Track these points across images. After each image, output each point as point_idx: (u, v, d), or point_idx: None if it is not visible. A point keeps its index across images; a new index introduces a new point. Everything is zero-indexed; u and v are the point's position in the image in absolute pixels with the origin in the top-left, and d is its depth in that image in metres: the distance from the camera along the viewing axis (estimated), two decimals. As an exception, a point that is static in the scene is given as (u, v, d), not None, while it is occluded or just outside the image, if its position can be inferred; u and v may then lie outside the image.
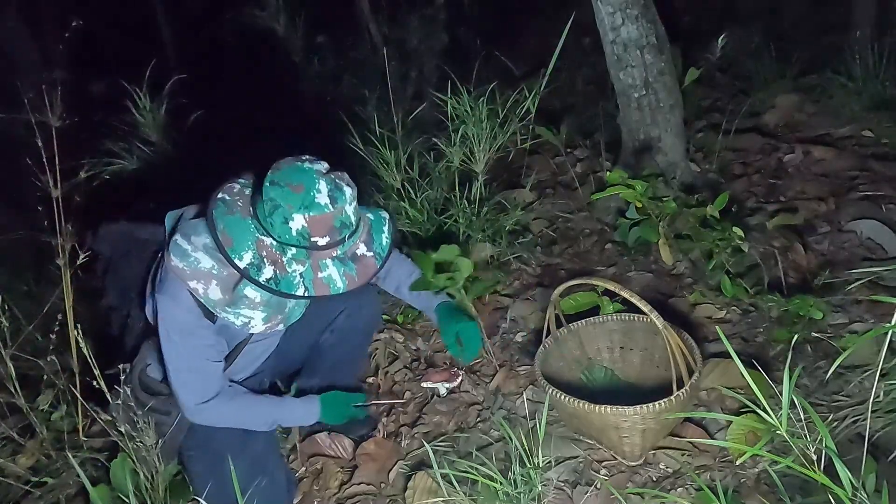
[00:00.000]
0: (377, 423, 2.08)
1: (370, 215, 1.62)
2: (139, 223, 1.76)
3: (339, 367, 2.01)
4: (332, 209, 1.44)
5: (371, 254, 1.56)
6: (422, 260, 1.95)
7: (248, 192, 1.57)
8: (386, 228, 1.62)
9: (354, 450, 2.00)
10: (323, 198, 1.44)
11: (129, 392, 1.66)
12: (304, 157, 1.51)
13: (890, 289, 2.09)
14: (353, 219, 1.49)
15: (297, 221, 1.43)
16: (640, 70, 2.68)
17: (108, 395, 1.60)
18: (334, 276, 1.50)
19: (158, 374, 1.75)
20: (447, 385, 2.08)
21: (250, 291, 1.57)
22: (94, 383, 1.59)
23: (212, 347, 1.64)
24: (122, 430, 1.64)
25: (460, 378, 2.09)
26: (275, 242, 1.48)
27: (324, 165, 1.50)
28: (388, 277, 1.95)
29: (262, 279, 1.47)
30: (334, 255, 1.50)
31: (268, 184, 1.46)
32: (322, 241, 1.46)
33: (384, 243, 1.59)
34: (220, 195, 1.55)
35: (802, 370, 1.88)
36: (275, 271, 1.48)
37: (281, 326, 1.71)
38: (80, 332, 1.66)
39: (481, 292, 2.29)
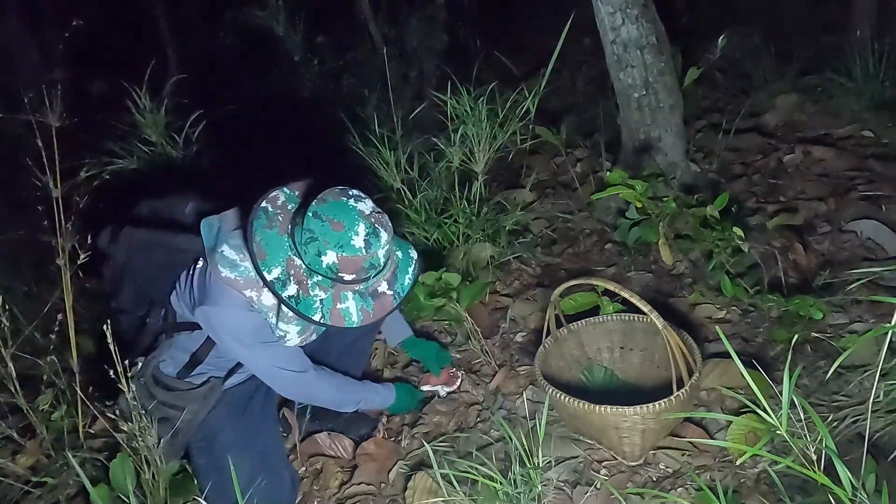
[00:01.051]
0: (377, 422, 2.08)
1: (399, 252, 1.65)
2: (168, 230, 1.75)
3: (342, 359, 2.00)
4: (364, 253, 1.48)
5: (391, 293, 1.60)
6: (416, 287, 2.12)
7: (290, 206, 1.59)
8: (411, 270, 1.65)
9: (354, 450, 2.00)
10: (359, 241, 1.47)
11: (141, 384, 1.69)
12: (350, 193, 1.53)
13: (890, 289, 2.09)
14: (382, 260, 1.53)
15: (329, 257, 1.47)
16: (640, 70, 2.68)
17: (122, 386, 1.60)
18: (352, 310, 1.55)
19: (173, 369, 1.76)
20: (447, 388, 2.11)
21: (285, 307, 1.59)
22: (111, 372, 1.58)
23: (291, 347, 1.69)
24: (126, 428, 1.63)
25: (459, 380, 2.13)
26: (304, 265, 1.52)
27: (368, 205, 1.52)
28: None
29: (284, 295, 1.51)
30: (357, 288, 1.54)
31: (310, 214, 1.48)
32: (348, 277, 1.51)
33: (406, 283, 1.63)
34: (263, 204, 1.57)
35: (802, 370, 1.88)
36: (298, 291, 1.52)
37: (315, 336, 1.74)
38: (107, 328, 1.63)
39: (472, 300, 2.38)
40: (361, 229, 1.47)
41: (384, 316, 1.62)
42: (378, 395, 1.94)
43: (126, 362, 1.66)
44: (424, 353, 2.11)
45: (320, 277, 1.52)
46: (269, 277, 1.50)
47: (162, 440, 1.67)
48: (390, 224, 1.55)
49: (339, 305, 1.54)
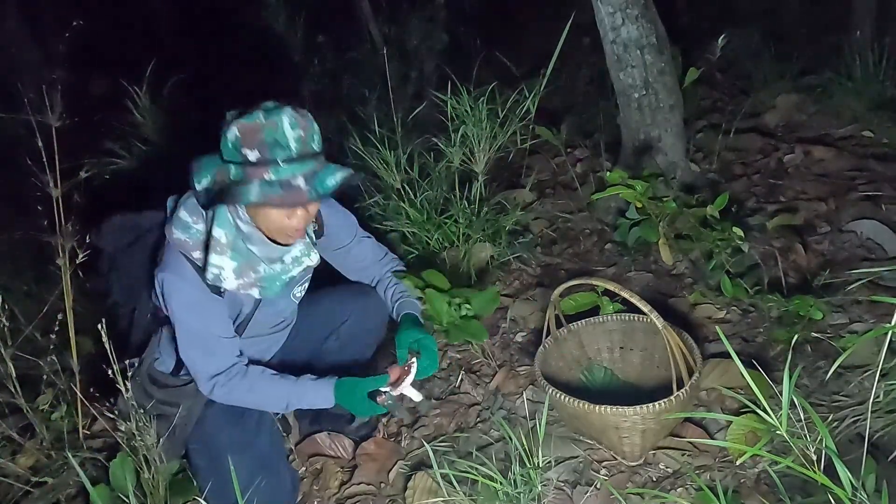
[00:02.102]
0: (377, 423, 2.08)
1: (337, 168, 1.53)
2: (140, 213, 1.76)
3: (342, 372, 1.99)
4: (263, 121, 1.42)
5: (307, 187, 1.46)
6: (434, 298, 2.00)
7: None
8: (339, 175, 1.50)
9: (354, 450, 2.00)
10: (259, 111, 1.44)
11: (138, 384, 1.69)
12: None
13: (890, 289, 2.09)
14: (291, 143, 1.43)
15: (233, 131, 1.43)
16: (640, 70, 2.68)
17: (120, 387, 1.60)
18: (252, 191, 1.44)
19: (167, 367, 1.76)
20: (408, 386, 1.70)
21: (216, 230, 1.56)
22: (109, 372, 1.59)
23: (221, 320, 1.64)
24: (123, 428, 1.64)
25: (415, 368, 1.71)
26: (223, 166, 1.49)
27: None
28: (348, 256, 1.90)
29: (199, 189, 1.51)
30: (264, 177, 1.44)
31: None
32: (252, 156, 1.43)
33: (329, 184, 1.48)
34: None
35: (802, 370, 1.88)
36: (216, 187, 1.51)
37: (256, 292, 1.64)
38: (102, 327, 1.64)
39: (486, 310, 2.19)
40: (269, 105, 1.46)
41: (294, 205, 1.49)
42: (311, 394, 1.69)
43: (126, 362, 1.66)
44: (425, 343, 1.75)
45: (233, 168, 1.46)
46: (199, 188, 1.51)
47: (161, 439, 1.67)
48: (311, 118, 1.48)
49: (240, 187, 1.45)
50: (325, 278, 1.93)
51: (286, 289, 1.75)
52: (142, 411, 1.65)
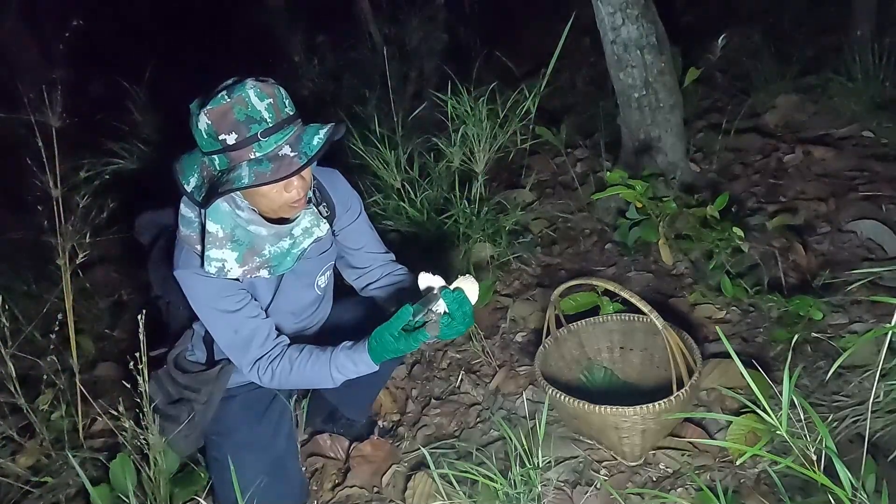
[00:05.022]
0: (376, 423, 2.08)
1: (319, 126, 1.48)
2: (163, 209, 1.75)
3: (358, 387, 1.78)
4: (228, 99, 1.36)
5: (294, 154, 1.40)
6: None
7: None
8: (323, 132, 1.44)
9: (348, 451, 1.99)
10: (222, 92, 1.37)
11: (165, 370, 1.71)
12: None
13: (890, 289, 2.09)
14: (265, 115, 1.37)
15: (203, 121, 1.36)
16: (640, 70, 2.68)
17: (141, 376, 1.63)
18: (243, 174, 1.38)
19: (199, 359, 1.77)
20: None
21: (211, 225, 1.52)
22: (139, 362, 1.61)
23: (246, 303, 1.62)
24: (127, 425, 1.64)
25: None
26: (206, 158, 1.44)
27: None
28: (352, 234, 1.81)
29: (198, 196, 1.44)
30: (251, 156, 1.39)
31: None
32: (230, 139, 1.37)
33: (314, 143, 1.42)
34: None
35: (802, 370, 1.88)
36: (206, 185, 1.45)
37: (265, 272, 1.59)
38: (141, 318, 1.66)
39: (480, 302, 2.22)
40: (228, 83, 1.40)
41: (288, 175, 1.39)
42: (351, 366, 1.59)
43: (154, 353, 1.69)
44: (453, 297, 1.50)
45: (217, 159, 1.40)
46: (188, 189, 1.46)
47: (179, 428, 1.68)
48: (275, 83, 1.42)
49: (230, 174, 1.39)
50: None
51: (300, 265, 1.68)
52: (168, 401, 1.68)
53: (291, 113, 1.43)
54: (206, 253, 1.53)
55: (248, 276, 1.58)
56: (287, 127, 1.41)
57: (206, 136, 1.38)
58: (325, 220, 1.67)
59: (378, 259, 1.86)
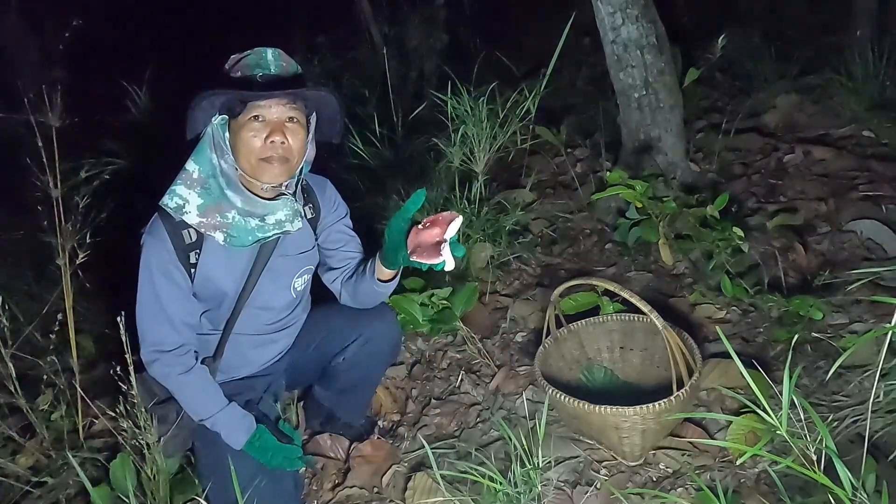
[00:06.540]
0: (376, 423, 2.08)
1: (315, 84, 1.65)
2: None
3: (351, 392, 1.97)
4: (249, 52, 1.56)
5: (282, 91, 1.53)
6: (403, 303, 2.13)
7: None
8: (321, 91, 1.60)
9: (348, 451, 1.99)
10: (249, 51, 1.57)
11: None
12: None
13: (890, 289, 2.09)
14: (271, 66, 1.55)
15: (225, 66, 1.58)
16: (640, 70, 2.68)
17: (129, 379, 1.63)
18: (236, 98, 1.52)
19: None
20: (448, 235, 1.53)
21: (190, 164, 1.57)
22: (127, 364, 1.62)
23: (182, 294, 1.61)
24: (126, 426, 1.64)
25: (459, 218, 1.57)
26: (211, 99, 1.53)
27: None
28: (332, 235, 1.83)
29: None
30: (246, 91, 1.52)
31: None
32: (234, 74, 1.55)
33: (307, 94, 1.57)
34: None
35: (802, 370, 1.88)
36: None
37: (221, 237, 1.57)
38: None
39: (465, 306, 2.33)
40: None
41: (266, 96, 1.51)
42: (225, 428, 1.66)
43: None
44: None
45: (222, 96, 1.53)
46: (196, 112, 1.54)
47: (170, 430, 1.68)
48: (290, 58, 1.60)
49: (228, 100, 1.53)
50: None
51: (278, 263, 1.70)
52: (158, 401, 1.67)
53: (298, 73, 1.58)
54: (173, 187, 1.56)
55: (202, 229, 1.57)
56: (285, 81, 1.54)
57: (217, 78, 1.54)
58: (302, 218, 1.68)
59: (356, 259, 1.85)
